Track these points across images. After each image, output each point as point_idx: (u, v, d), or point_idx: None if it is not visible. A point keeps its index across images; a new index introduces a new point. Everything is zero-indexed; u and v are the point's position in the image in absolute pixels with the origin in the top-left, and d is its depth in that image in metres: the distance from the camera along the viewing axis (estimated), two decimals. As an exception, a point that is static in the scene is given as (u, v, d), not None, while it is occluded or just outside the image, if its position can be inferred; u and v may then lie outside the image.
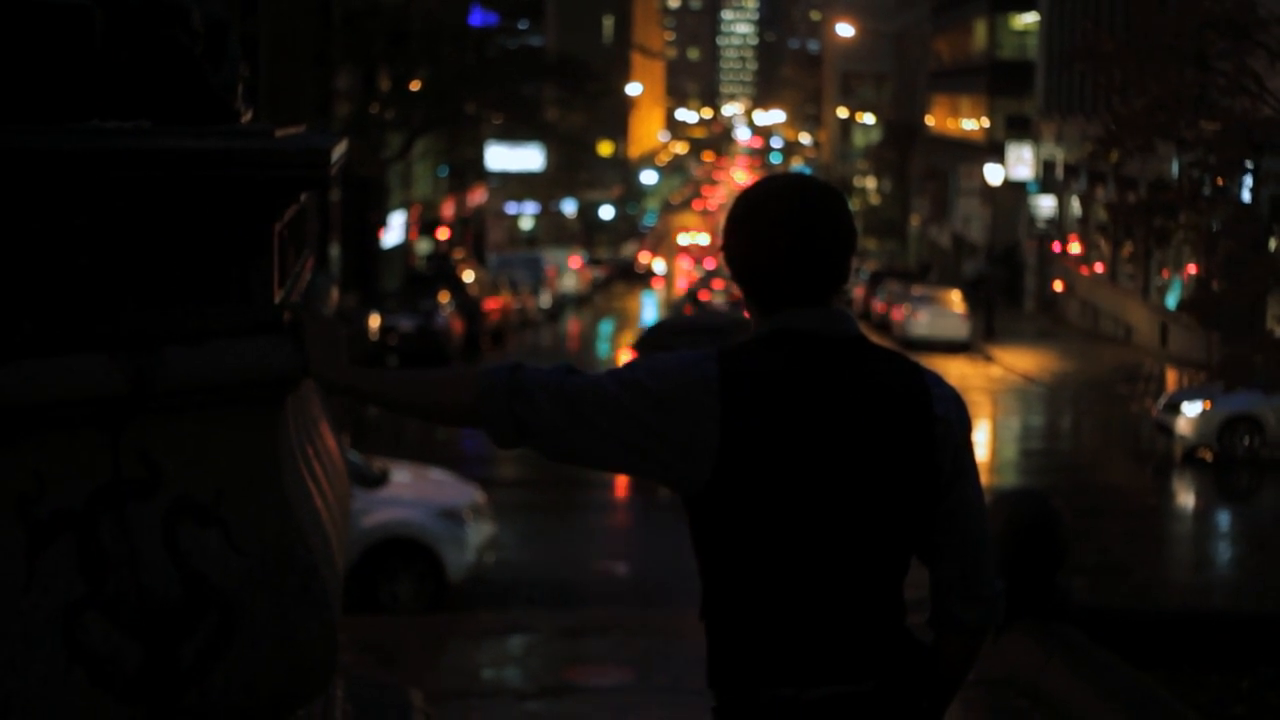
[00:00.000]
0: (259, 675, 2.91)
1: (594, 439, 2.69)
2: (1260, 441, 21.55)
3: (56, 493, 2.79)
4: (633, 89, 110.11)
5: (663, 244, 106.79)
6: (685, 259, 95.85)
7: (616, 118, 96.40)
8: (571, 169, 73.58)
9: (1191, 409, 21.76)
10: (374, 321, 30.76)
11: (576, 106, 47.10)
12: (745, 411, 2.63)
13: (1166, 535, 17.57)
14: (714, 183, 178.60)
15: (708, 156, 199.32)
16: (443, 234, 51.70)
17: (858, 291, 49.11)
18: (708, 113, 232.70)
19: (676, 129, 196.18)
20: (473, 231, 59.10)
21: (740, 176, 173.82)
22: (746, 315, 2.82)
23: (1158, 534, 17.56)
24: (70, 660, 2.78)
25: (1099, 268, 43.93)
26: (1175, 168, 20.29)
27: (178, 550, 2.86)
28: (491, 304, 38.71)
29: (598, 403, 2.67)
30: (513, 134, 58.75)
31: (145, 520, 2.84)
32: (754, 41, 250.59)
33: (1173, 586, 14.44)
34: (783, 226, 2.70)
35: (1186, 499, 20.86)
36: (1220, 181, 16.01)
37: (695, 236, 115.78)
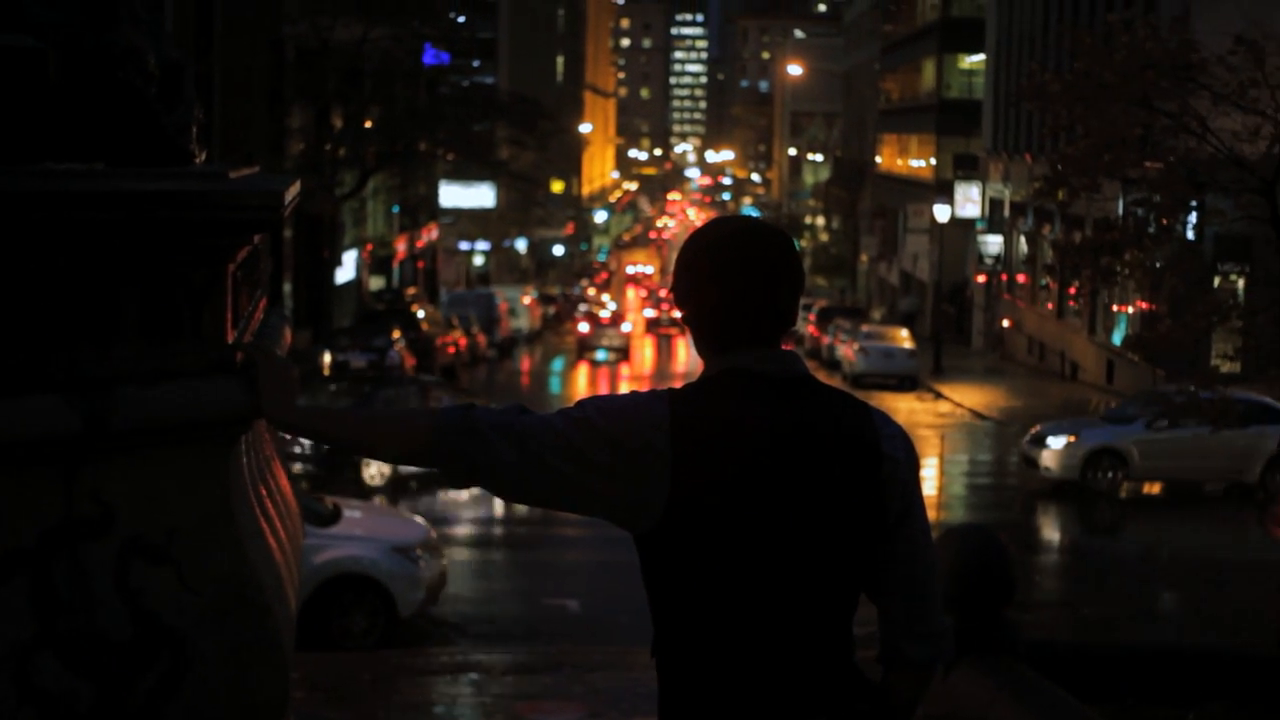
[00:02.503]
0: (211, 714, 2.91)
1: (546, 478, 2.71)
2: (1124, 475, 21.81)
3: (9, 532, 2.79)
4: (584, 128, 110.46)
5: (614, 282, 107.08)
6: (634, 288, 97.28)
7: (568, 156, 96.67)
8: (524, 207, 73.64)
9: (1056, 442, 22.02)
10: (326, 358, 30.65)
11: (529, 145, 47.18)
12: (695, 451, 2.67)
13: (1113, 570, 17.67)
14: (667, 214, 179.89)
15: (672, 195, 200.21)
16: (394, 269, 51.65)
17: (810, 330, 49.31)
18: (659, 151, 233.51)
19: (628, 167, 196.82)
20: (425, 269, 59.05)
21: (692, 213, 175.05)
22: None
23: (1104, 569, 17.68)
24: (21, 699, 2.78)
25: (1047, 305, 44.33)
26: (1121, 206, 20.55)
27: (130, 590, 2.86)
28: (443, 341, 38.64)
29: (549, 442, 2.69)
30: (465, 172, 58.78)
31: (98, 560, 2.85)
32: (705, 80, 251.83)
33: (1120, 621, 14.53)
34: (732, 269, 2.75)
35: (1132, 533, 21.01)
36: (1165, 220, 16.22)
37: (643, 267, 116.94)
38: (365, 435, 2.89)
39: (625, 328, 55.66)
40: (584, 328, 54.21)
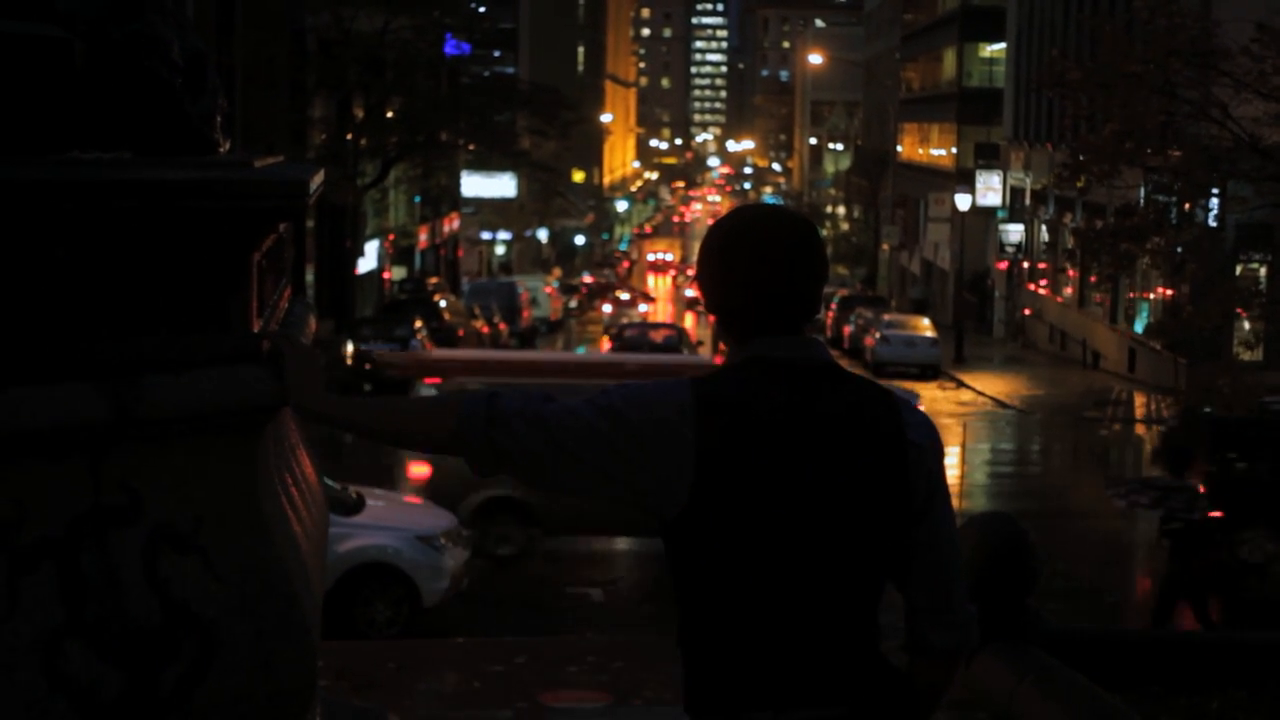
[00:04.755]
0: (238, 701, 2.92)
1: (571, 465, 2.71)
2: None
3: (38, 520, 2.80)
4: (605, 118, 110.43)
5: (635, 270, 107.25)
6: (656, 275, 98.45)
7: (589, 146, 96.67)
8: (545, 197, 73.69)
9: None
10: (349, 348, 30.72)
11: (550, 135, 47.20)
12: (720, 439, 2.67)
13: (1135, 557, 17.63)
14: (688, 201, 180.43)
15: (679, 184, 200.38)
16: (416, 259, 51.79)
17: (830, 318, 49.27)
18: (680, 141, 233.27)
19: (649, 157, 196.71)
20: (447, 258, 59.16)
21: (715, 198, 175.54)
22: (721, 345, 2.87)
23: (1126, 556, 17.64)
24: (51, 688, 2.79)
25: (1068, 291, 44.22)
26: (1142, 194, 20.49)
27: (158, 577, 2.87)
28: (465, 330, 38.71)
29: (574, 430, 2.70)
30: (487, 163, 58.84)
31: (126, 548, 2.86)
32: (725, 70, 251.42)
33: (1143, 608, 14.49)
34: (756, 257, 2.75)
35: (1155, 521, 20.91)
36: (1187, 207, 16.19)
37: (664, 254, 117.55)
38: (390, 424, 2.90)
39: (643, 308, 65.26)
40: (608, 308, 64.53)
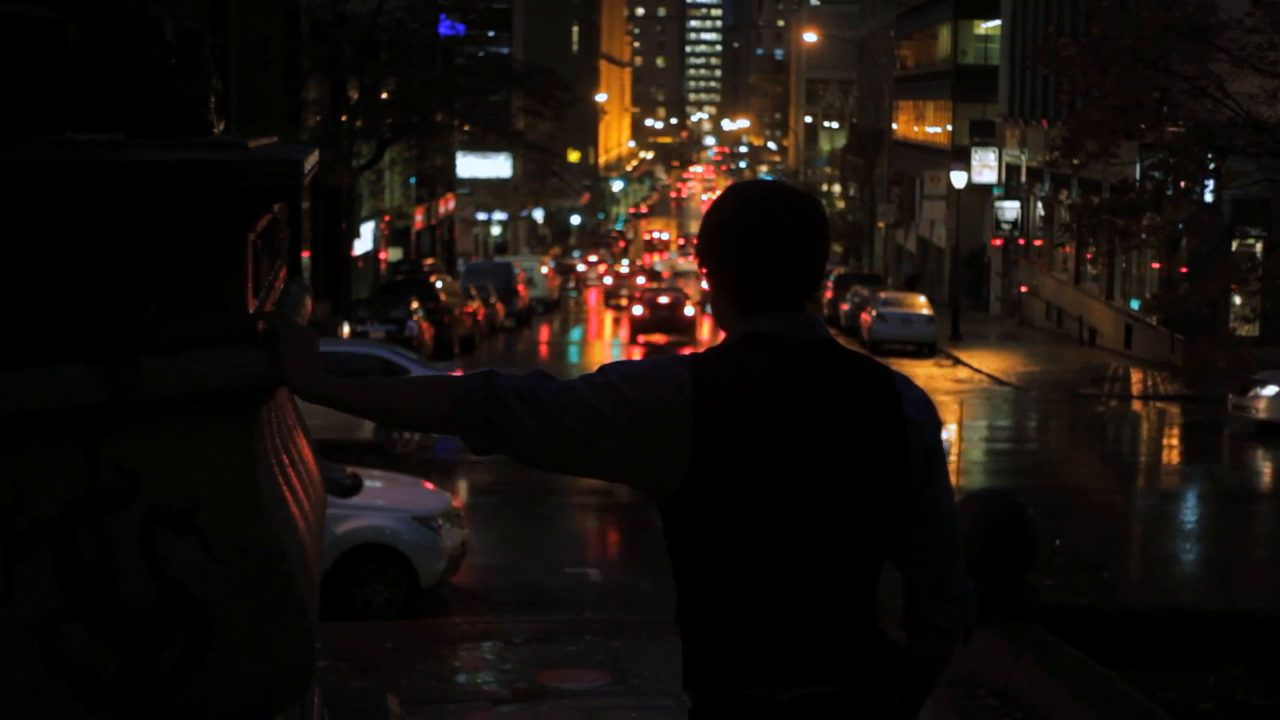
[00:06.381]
0: (237, 683, 2.92)
1: (568, 444, 2.71)
2: None
3: (33, 503, 2.80)
4: (600, 97, 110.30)
5: (631, 249, 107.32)
6: (655, 255, 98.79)
7: (585, 126, 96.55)
8: (540, 177, 73.64)
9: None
10: (345, 329, 30.73)
11: (545, 115, 47.14)
12: (718, 415, 2.66)
13: (1132, 534, 17.67)
14: (684, 180, 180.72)
15: (675, 163, 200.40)
16: (412, 240, 51.78)
17: (826, 295, 49.24)
18: (675, 120, 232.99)
19: (644, 136, 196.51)
20: (443, 240, 59.13)
21: (712, 177, 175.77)
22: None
23: (1123, 533, 17.68)
24: (49, 671, 2.79)
25: (1067, 265, 44.23)
26: (1138, 170, 20.46)
27: (155, 559, 2.87)
28: (462, 311, 38.70)
29: (571, 408, 2.69)
30: (482, 143, 58.82)
31: (122, 530, 2.85)
32: (720, 49, 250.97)
33: (1140, 584, 14.53)
34: (759, 232, 2.74)
35: (1152, 497, 20.97)
36: (1183, 183, 16.16)
37: (660, 233, 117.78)
38: (386, 403, 2.90)
39: (640, 280, 67.21)
40: (608, 280, 68.81)
